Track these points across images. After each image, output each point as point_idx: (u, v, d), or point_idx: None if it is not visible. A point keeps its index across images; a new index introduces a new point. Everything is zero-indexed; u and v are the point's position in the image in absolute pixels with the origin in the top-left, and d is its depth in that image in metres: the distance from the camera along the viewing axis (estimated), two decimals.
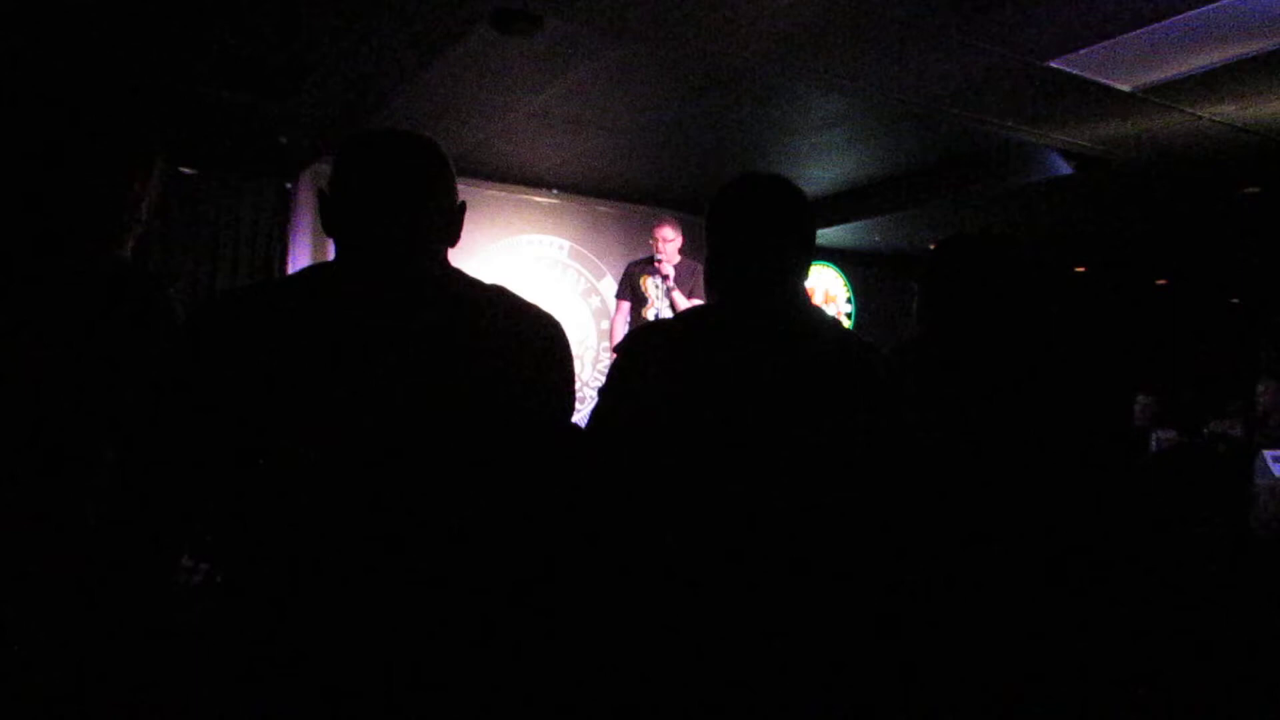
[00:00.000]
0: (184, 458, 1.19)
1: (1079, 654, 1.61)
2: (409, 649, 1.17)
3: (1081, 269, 9.50)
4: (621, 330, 5.64)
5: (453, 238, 1.39)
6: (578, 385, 1.67)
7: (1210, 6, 3.63)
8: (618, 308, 5.73)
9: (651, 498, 1.48)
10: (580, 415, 1.42)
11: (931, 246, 1.91)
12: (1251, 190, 6.32)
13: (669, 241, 5.46)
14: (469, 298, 1.30)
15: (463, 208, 1.41)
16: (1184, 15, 3.72)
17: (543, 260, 7.33)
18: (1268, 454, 4.19)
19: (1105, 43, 4.04)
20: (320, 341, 1.19)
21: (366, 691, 1.14)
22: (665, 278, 5.41)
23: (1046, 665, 1.60)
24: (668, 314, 5.38)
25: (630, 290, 5.62)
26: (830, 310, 8.59)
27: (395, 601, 1.16)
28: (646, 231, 5.68)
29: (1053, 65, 4.29)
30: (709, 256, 1.65)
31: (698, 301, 5.27)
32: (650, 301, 5.54)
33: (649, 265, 5.57)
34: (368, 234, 1.31)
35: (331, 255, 1.38)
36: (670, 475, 1.48)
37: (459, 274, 1.34)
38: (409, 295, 1.27)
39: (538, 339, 1.32)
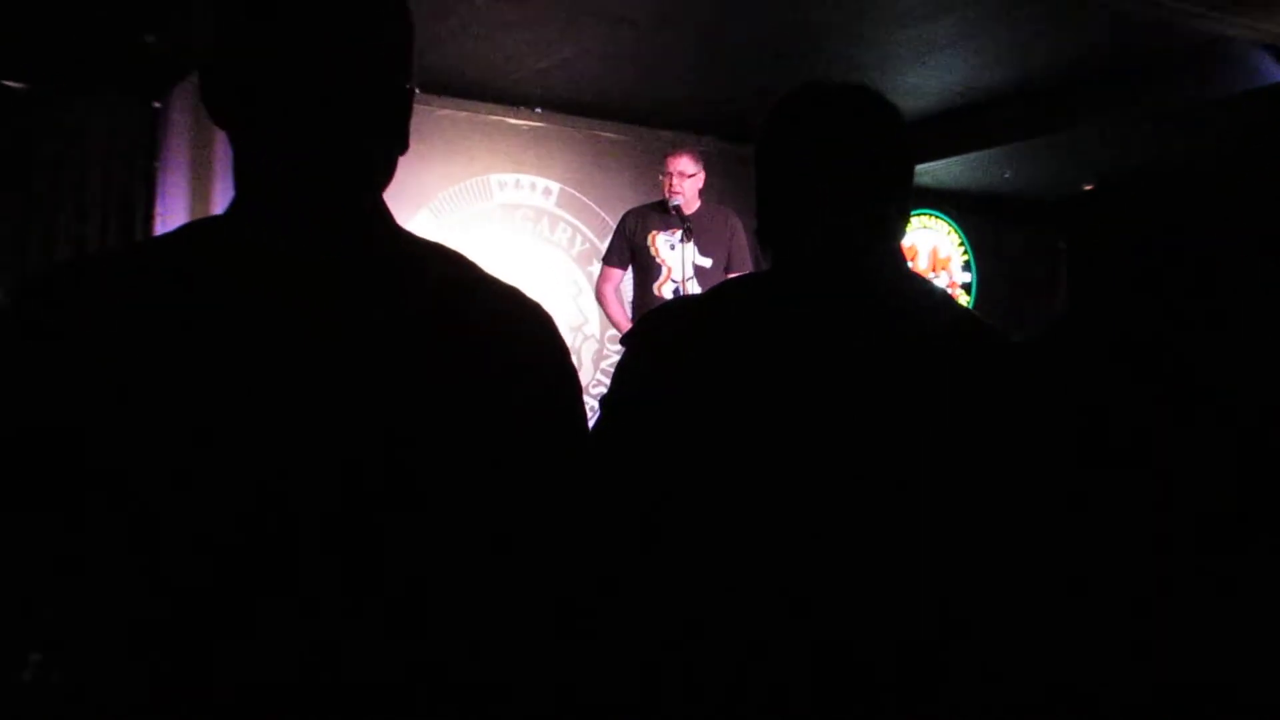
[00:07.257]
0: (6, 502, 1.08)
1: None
2: None
3: None
4: (618, 311, 5.04)
5: (402, 137, 1.16)
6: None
7: None
8: (605, 275, 5.03)
9: (681, 555, 1.39)
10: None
11: (1088, 188, 1.98)
12: None
13: (687, 178, 4.79)
14: (432, 284, 1.12)
15: (412, 94, 1.20)
16: None
17: (520, 210, 6.39)
18: None
19: None
20: (210, 353, 1.03)
21: None
22: (689, 232, 4.62)
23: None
24: (691, 286, 4.78)
25: (629, 253, 4.89)
26: (940, 281, 7.81)
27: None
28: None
29: None
30: (760, 202, 1.52)
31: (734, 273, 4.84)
32: (666, 271, 4.78)
33: (659, 214, 4.87)
34: (278, 137, 1.08)
35: (217, 197, 1.55)
36: (708, 524, 1.39)
37: (411, 239, 1.15)
38: (345, 284, 1.06)
39: (527, 346, 1.14)
